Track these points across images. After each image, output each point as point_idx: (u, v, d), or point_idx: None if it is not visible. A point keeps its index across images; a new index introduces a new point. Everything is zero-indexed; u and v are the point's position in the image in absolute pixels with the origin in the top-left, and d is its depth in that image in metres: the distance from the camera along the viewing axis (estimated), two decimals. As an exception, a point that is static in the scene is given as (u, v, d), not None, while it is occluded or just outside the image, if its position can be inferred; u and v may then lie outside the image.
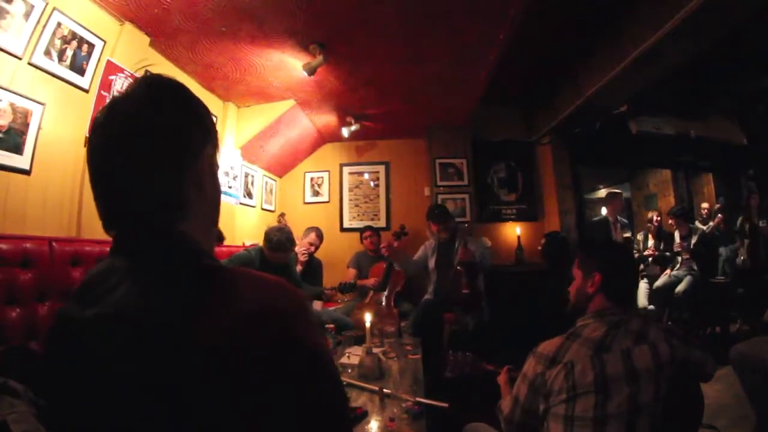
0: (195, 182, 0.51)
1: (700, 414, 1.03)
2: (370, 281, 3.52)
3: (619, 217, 4.11)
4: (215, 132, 0.57)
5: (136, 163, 0.48)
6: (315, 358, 0.47)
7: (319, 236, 3.45)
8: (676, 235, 3.94)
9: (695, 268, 3.73)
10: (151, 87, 0.51)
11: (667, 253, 3.94)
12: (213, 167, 0.56)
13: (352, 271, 3.82)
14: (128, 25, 2.28)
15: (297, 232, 2.74)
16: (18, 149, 1.76)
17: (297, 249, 3.23)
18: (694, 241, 3.81)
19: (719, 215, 4.32)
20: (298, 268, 3.18)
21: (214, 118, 3.29)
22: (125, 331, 0.43)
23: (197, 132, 0.53)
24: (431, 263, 3.16)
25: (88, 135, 0.51)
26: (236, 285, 0.47)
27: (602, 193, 7.64)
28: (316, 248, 3.42)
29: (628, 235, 4.40)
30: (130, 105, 0.49)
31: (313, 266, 3.46)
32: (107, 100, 0.52)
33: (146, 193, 0.48)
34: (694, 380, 1.05)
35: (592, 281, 1.13)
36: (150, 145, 0.48)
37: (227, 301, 0.45)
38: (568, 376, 0.96)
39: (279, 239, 2.49)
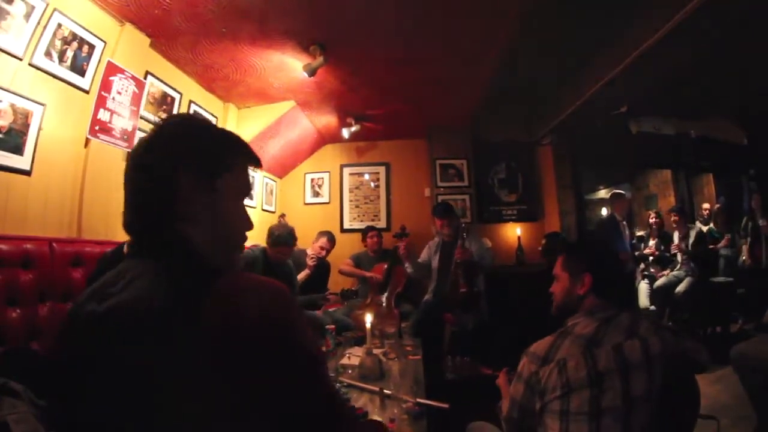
0: (182, 208, 0.60)
1: (696, 406, 1.03)
2: (373, 274, 3.50)
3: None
4: (207, 165, 0.64)
5: (139, 191, 0.61)
6: (307, 364, 0.52)
7: (331, 240, 3.37)
8: (675, 236, 3.93)
9: (695, 268, 3.72)
10: (143, 149, 0.64)
11: (668, 254, 3.93)
12: (206, 193, 0.62)
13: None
14: (128, 26, 2.28)
15: (298, 233, 2.73)
16: (18, 150, 1.76)
17: (308, 252, 3.24)
18: (691, 241, 3.80)
19: (726, 236, 4.26)
20: (306, 272, 3.17)
21: (214, 119, 3.29)
22: (128, 322, 0.49)
23: (176, 170, 0.61)
24: (435, 262, 3.17)
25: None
26: (238, 288, 0.52)
27: (602, 193, 7.64)
28: (328, 252, 3.36)
29: (641, 233, 4.38)
30: (138, 149, 0.64)
31: (323, 269, 3.45)
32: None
33: (146, 210, 0.61)
34: (689, 372, 1.04)
35: (582, 283, 1.12)
36: (144, 178, 0.61)
37: (228, 303, 0.49)
38: (562, 372, 0.97)
39: (280, 234, 2.56)
